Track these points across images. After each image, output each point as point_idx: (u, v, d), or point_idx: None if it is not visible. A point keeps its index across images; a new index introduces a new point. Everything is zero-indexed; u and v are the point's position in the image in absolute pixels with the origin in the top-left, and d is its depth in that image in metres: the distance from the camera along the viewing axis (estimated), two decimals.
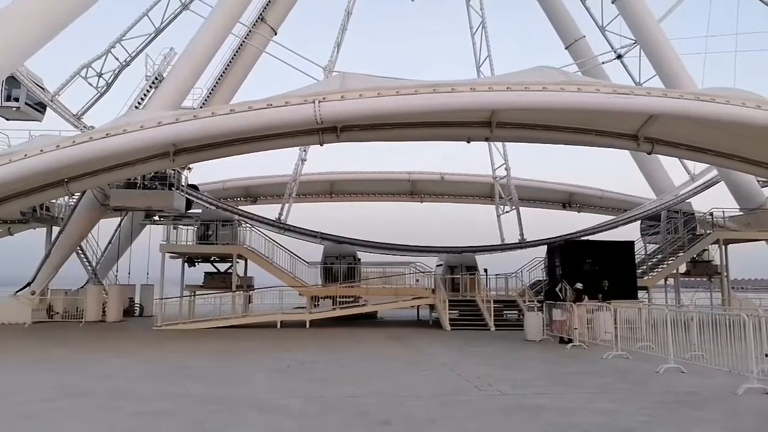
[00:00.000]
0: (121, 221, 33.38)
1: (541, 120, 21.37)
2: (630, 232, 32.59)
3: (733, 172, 27.98)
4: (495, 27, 36.73)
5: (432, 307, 27.08)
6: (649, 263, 29.30)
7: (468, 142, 22.61)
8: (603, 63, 33.85)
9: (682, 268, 29.88)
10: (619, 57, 33.01)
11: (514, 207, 35.46)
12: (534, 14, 37.36)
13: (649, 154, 25.12)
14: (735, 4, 30.43)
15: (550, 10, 36.74)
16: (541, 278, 28.12)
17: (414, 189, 42.06)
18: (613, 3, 31.34)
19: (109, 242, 33.48)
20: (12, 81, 26.89)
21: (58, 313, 27.74)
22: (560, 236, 31.76)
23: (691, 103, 18.60)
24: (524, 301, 24.85)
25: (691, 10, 32.27)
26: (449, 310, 24.51)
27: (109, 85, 29.40)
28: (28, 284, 27.26)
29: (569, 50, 36.17)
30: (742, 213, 30.13)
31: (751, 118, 18.48)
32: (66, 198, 29.00)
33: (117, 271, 32.92)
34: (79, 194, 27.35)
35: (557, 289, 20.01)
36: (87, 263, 31.17)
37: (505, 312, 25.93)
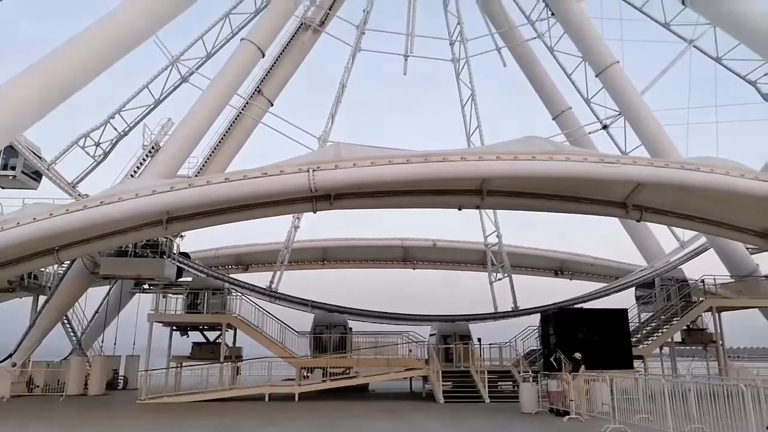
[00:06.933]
0: (109, 290, 32.89)
1: (531, 188, 21.77)
2: (621, 299, 32.48)
3: (722, 239, 28.32)
4: (484, 97, 38.03)
5: (425, 379, 26.41)
6: (644, 331, 28.99)
7: (459, 209, 22.89)
8: (590, 133, 34.91)
9: (677, 337, 29.56)
10: (605, 127, 34.05)
11: (506, 274, 35.44)
12: (522, 85, 38.88)
13: (638, 221, 25.49)
14: (713, 77, 31.81)
15: (538, 83, 38.26)
16: (535, 347, 27.67)
17: (406, 255, 42.07)
18: (596, 77, 32.70)
19: (96, 311, 32.81)
20: (10, 150, 27.23)
21: (38, 386, 26.77)
22: (553, 304, 31.57)
23: (677, 172, 19.11)
24: (519, 372, 24.33)
25: (672, 82, 33.67)
26: (443, 381, 23.91)
27: (106, 154, 29.79)
28: (10, 356, 26.45)
29: (556, 120, 37.39)
30: (733, 280, 30.20)
31: (736, 186, 18.96)
32: (55, 266, 28.70)
33: (102, 341, 32.10)
34: (68, 262, 27.11)
35: (552, 359, 19.66)
36: (72, 333, 30.39)
37: (499, 383, 25.31)
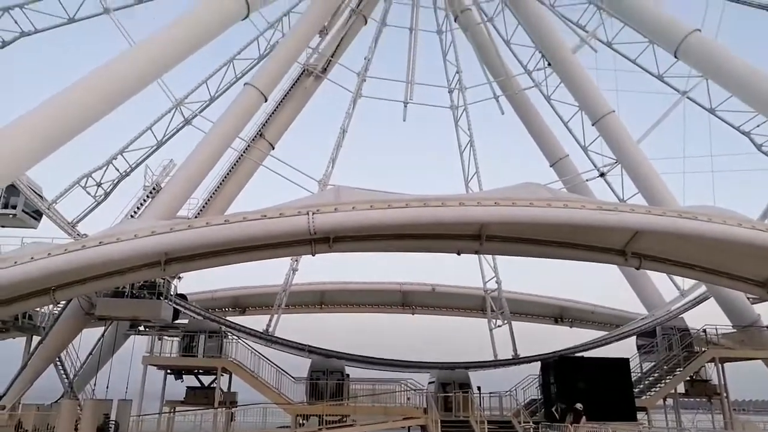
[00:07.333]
0: (104, 331, 32.44)
1: (529, 234, 21.83)
2: (622, 348, 32.04)
3: (723, 288, 28.15)
4: (482, 142, 38.69)
5: (423, 428, 25.75)
6: (646, 382, 28.45)
7: (458, 254, 22.87)
8: (587, 180, 35.24)
9: (681, 388, 28.96)
10: (602, 175, 34.40)
11: (506, 321, 35.10)
12: (520, 131, 39.53)
13: (638, 269, 25.43)
14: (707, 126, 32.46)
15: (535, 131, 38.88)
16: (536, 397, 27.11)
17: (405, 300, 41.73)
18: (593, 125, 33.22)
19: (90, 353, 32.24)
20: (11, 189, 27.40)
21: (27, 430, 26.02)
22: (554, 352, 31.14)
23: (674, 221, 19.23)
24: (519, 422, 23.75)
25: (668, 131, 34.27)
26: (441, 431, 23.30)
27: (107, 194, 29.97)
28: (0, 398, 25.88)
29: (554, 167, 37.80)
30: (735, 330, 29.84)
31: (733, 235, 19.04)
32: (50, 306, 28.39)
33: (95, 384, 31.39)
34: (64, 302, 26.85)
35: (553, 409, 19.27)
36: (64, 375, 29.78)
37: None
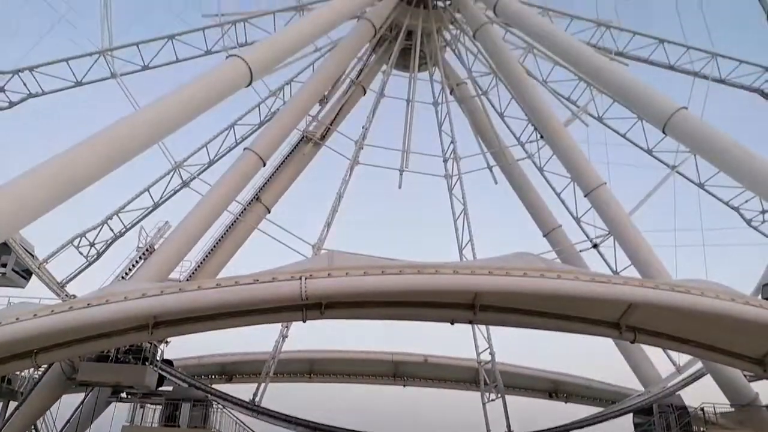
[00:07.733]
0: (85, 397, 31.27)
1: (523, 305, 21.63)
2: (620, 426, 31.04)
3: (719, 365, 27.67)
4: (476, 212, 39.00)
5: None
6: None
7: (452, 323, 22.56)
8: (580, 251, 35.33)
9: None
10: (595, 246, 34.54)
11: (499, 395, 34.21)
12: (514, 200, 39.92)
13: (632, 342, 25.05)
14: (697, 200, 33.02)
15: (528, 201, 39.35)
16: None
17: (397, 371, 40.75)
18: (585, 197, 33.67)
19: (68, 421, 30.93)
20: (3, 247, 27.20)
21: None
22: (549, 429, 30.18)
23: (667, 294, 19.17)
24: None
25: (660, 204, 34.75)
26: None
27: (99, 255, 29.79)
28: None
29: (547, 238, 37.96)
30: (733, 409, 29.08)
31: (726, 310, 18.95)
32: (30, 370, 27.52)
33: None
34: (45, 366, 26.04)
35: None
36: None
37: None
